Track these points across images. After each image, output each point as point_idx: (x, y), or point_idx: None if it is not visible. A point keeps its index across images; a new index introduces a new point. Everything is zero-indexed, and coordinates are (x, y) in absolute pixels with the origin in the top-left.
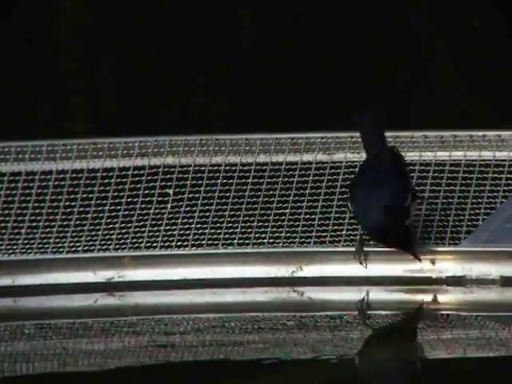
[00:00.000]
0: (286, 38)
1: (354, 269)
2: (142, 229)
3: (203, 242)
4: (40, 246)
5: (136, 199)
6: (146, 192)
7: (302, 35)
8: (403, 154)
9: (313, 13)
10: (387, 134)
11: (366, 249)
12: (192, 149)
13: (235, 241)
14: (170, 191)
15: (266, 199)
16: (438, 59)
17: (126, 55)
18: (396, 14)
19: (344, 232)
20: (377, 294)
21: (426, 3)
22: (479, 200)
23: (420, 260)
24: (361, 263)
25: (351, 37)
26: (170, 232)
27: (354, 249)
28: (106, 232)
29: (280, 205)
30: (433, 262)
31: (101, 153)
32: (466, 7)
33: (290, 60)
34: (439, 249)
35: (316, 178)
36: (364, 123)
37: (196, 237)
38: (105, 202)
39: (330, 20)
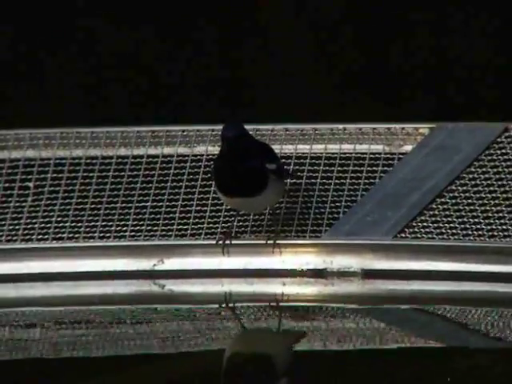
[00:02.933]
0: None
1: (215, 262)
2: (2, 222)
3: (64, 235)
4: None
5: None
6: (6, 185)
7: None
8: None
9: None
10: (247, 126)
11: (228, 241)
12: (53, 142)
13: (96, 234)
14: (31, 184)
15: (128, 192)
16: (300, 51)
17: None
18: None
19: (205, 225)
20: (238, 287)
21: None
22: (340, 193)
23: (280, 252)
24: (223, 254)
25: None
26: (30, 226)
27: (215, 242)
28: None
29: (141, 198)
30: (294, 254)
31: None
32: None
33: None
34: (300, 241)
35: (177, 171)
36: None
37: (57, 230)
38: None
39: None
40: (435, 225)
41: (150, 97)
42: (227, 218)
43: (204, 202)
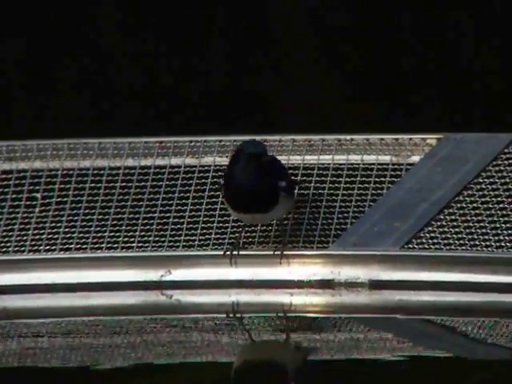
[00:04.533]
0: None
1: (222, 272)
2: (10, 233)
3: (71, 246)
4: None
5: (3, 203)
6: (14, 196)
7: None
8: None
9: None
10: (255, 137)
11: (235, 252)
12: (60, 152)
13: (104, 245)
14: (38, 195)
15: (135, 203)
16: (308, 59)
17: None
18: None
19: (213, 236)
20: (246, 297)
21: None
22: (347, 204)
23: (287, 263)
24: (231, 264)
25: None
26: (37, 236)
27: (222, 252)
28: None
29: (148, 209)
30: (301, 265)
31: None
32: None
33: None
34: (307, 252)
35: (184, 181)
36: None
37: (64, 241)
38: None
39: None
40: (443, 236)
41: (159, 108)
42: (235, 229)
43: (212, 212)
